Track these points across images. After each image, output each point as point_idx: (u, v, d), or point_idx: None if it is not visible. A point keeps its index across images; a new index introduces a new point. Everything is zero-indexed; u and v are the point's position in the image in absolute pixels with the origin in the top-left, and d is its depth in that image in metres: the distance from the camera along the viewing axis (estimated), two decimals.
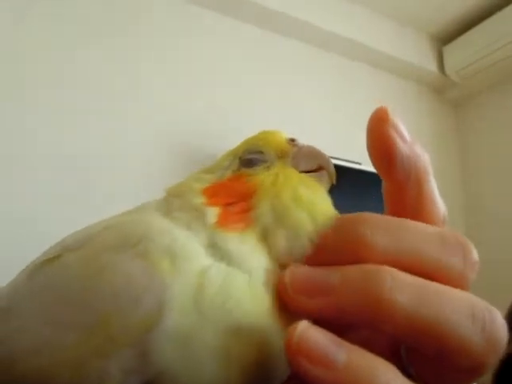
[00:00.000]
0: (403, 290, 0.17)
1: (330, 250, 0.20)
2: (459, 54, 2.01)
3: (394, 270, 0.17)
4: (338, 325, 0.18)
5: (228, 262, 0.20)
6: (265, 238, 0.21)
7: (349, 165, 1.64)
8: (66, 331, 0.18)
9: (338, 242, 0.19)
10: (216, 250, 0.20)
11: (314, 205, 0.21)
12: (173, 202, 0.23)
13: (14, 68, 1.30)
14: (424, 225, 0.19)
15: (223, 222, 0.21)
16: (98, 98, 1.42)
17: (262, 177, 0.23)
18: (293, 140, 0.25)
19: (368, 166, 1.63)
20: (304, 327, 0.17)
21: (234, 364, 0.18)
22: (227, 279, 0.19)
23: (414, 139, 0.20)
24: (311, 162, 0.24)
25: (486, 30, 1.91)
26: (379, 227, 0.19)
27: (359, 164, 1.67)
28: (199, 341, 0.17)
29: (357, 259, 0.18)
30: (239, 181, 0.23)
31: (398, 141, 0.20)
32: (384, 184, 0.21)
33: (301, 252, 0.20)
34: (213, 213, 0.21)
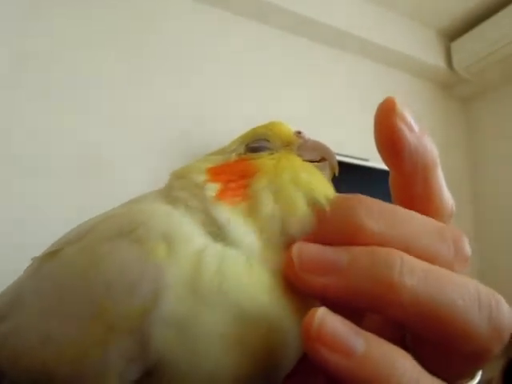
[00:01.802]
0: (412, 273, 0.17)
1: (324, 230, 0.20)
2: (467, 49, 1.99)
3: (403, 254, 0.18)
4: (342, 308, 0.18)
5: (224, 240, 0.20)
6: (261, 213, 0.21)
7: (357, 161, 1.64)
8: (67, 323, 0.18)
9: (332, 223, 0.19)
10: (213, 227, 0.20)
11: (313, 186, 0.21)
12: (174, 183, 0.23)
13: (15, 67, 1.31)
14: (419, 214, 0.19)
15: (221, 195, 0.21)
16: (99, 97, 1.42)
17: (265, 159, 0.23)
18: (299, 133, 0.25)
19: (376, 163, 1.62)
20: (323, 313, 0.16)
21: (234, 348, 0.18)
22: (224, 261, 0.19)
23: (423, 130, 0.20)
24: (315, 153, 0.24)
25: (493, 25, 1.89)
26: (373, 211, 0.19)
27: (367, 160, 1.67)
28: (197, 325, 0.17)
29: (349, 241, 0.18)
30: (243, 162, 0.23)
31: (406, 131, 0.19)
32: (391, 175, 0.21)
33: (296, 229, 0.20)
34: (213, 188, 0.22)
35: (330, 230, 0.19)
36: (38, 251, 0.23)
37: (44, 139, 1.31)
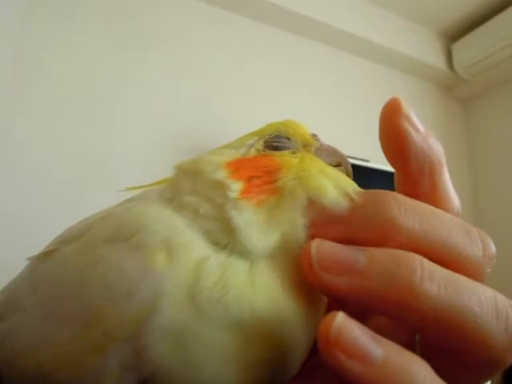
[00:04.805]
0: (432, 280, 0.17)
1: (354, 222, 0.19)
2: (468, 51, 1.99)
3: (424, 259, 0.17)
4: (354, 309, 0.17)
5: (231, 249, 0.19)
6: (288, 207, 0.20)
7: (357, 162, 1.64)
8: (63, 326, 0.17)
9: (364, 215, 0.19)
10: (221, 234, 0.19)
11: (340, 179, 0.21)
12: (183, 183, 0.22)
13: (13, 66, 1.30)
14: (449, 214, 0.19)
15: (246, 194, 0.20)
16: (99, 97, 1.42)
17: (288, 157, 0.23)
18: (315, 135, 0.25)
19: (376, 164, 1.62)
20: (342, 319, 0.16)
21: (233, 361, 0.17)
22: (226, 271, 0.18)
23: (428, 131, 0.20)
24: (332, 158, 0.24)
25: (495, 26, 1.88)
26: (406, 207, 0.18)
27: (367, 161, 1.67)
28: (195, 337, 0.17)
29: (381, 238, 0.18)
30: (265, 158, 0.22)
31: (412, 132, 0.19)
32: (397, 176, 0.21)
33: (324, 223, 0.19)
34: (236, 188, 0.20)
35: (360, 222, 0.19)
36: (36, 251, 0.22)
37: (43, 139, 1.31)
